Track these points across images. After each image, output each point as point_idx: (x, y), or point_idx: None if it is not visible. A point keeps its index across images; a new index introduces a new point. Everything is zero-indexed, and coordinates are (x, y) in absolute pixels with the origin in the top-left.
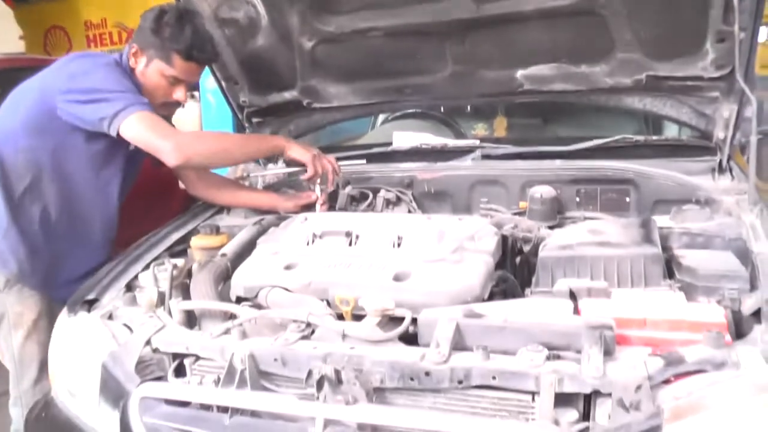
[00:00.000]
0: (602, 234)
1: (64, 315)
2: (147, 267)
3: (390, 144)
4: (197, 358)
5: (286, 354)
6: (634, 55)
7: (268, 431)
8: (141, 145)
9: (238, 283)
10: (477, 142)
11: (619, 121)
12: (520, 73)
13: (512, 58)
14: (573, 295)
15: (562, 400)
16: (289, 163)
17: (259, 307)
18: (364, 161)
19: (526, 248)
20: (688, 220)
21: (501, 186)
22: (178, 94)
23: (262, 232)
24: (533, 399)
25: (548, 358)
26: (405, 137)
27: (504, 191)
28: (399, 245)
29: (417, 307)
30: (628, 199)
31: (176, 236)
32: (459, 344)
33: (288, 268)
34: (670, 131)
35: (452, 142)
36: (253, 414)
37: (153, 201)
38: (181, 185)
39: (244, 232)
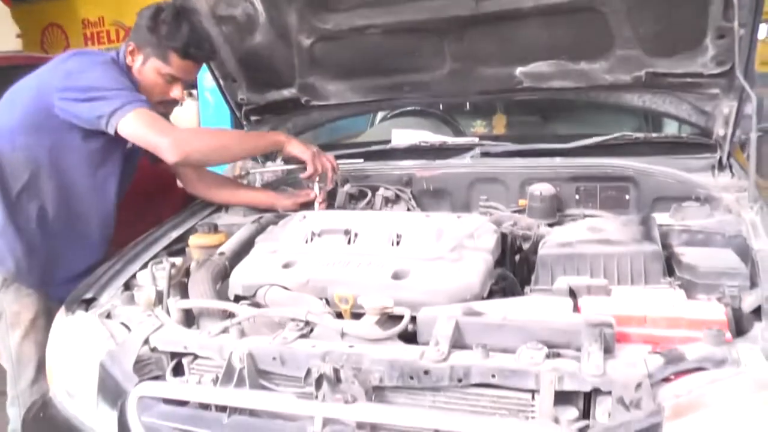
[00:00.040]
0: (602, 231)
1: (61, 314)
2: (145, 266)
3: (389, 142)
4: (195, 357)
5: (284, 353)
6: (634, 52)
7: (266, 430)
8: (139, 143)
9: (237, 282)
10: (476, 140)
11: (618, 119)
12: (519, 71)
13: (511, 55)
14: (573, 293)
15: (562, 398)
16: (288, 160)
17: (257, 305)
18: (362, 160)
19: (526, 246)
20: (688, 218)
21: (500, 184)
22: (175, 92)
23: (260, 230)
24: (533, 397)
25: (548, 356)
26: (404, 135)
27: (503, 189)
28: (398, 243)
29: (416, 305)
30: (627, 197)
31: (174, 235)
32: (458, 342)
33: (286, 266)
34: (670, 128)
35: (451, 140)
36: (252, 413)
37: (151, 200)
38: (179, 184)
39: (242, 231)
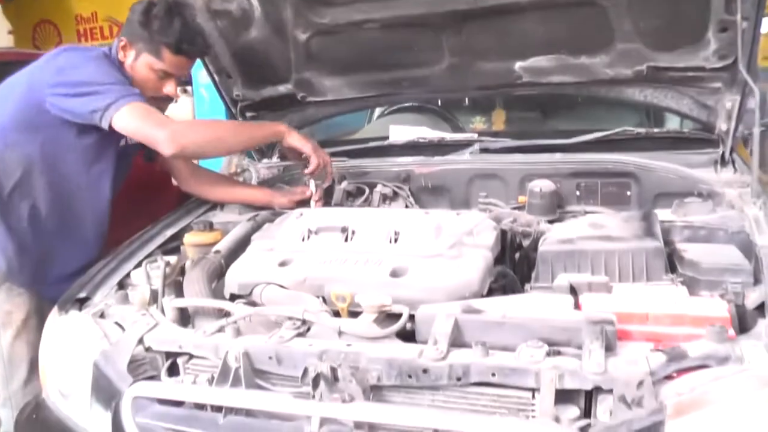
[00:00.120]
0: (603, 228)
1: (54, 313)
2: (139, 264)
3: (386, 138)
4: (191, 356)
5: (281, 352)
6: (635, 46)
7: (263, 430)
8: (135, 136)
9: (232, 280)
10: (475, 136)
11: (619, 114)
12: (518, 65)
13: (510, 50)
14: (573, 290)
15: (563, 396)
16: (284, 155)
17: (253, 304)
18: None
19: (526, 243)
20: (690, 214)
21: (500, 180)
22: (168, 88)
23: (256, 228)
24: (533, 396)
25: (548, 354)
26: (402, 131)
27: (503, 185)
28: (396, 241)
29: (414, 303)
30: (629, 193)
31: (169, 233)
32: (457, 340)
33: (283, 264)
34: (672, 124)
35: (450, 136)
36: (248, 413)
37: (145, 198)
38: (174, 182)
39: (238, 229)
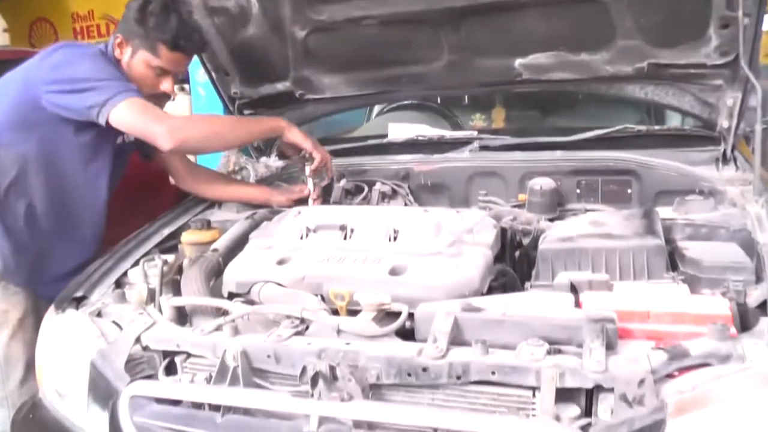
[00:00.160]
0: (604, 225)
1: (51, 312)
2: (137, 263)
3: (385, 136)
4: (188, 355)
5: (279, 350)
6: (636, 42)
7: (261, 429)
8: (132, 132)
9: (230, 279)
10: (475, 134)
11: (620, 112)
12: (518, 62)
13: (510, 47)
14: (574, 289)
15: (564, 395)
16: (282, 155)
17: (251, 302)
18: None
19: (526, 241)
20: (692, 211)
21: (499, 178)
22: (165, 85)
23: (254, 226)
24: (534, 394)
25: (549, 352)
26: (401, 129)
27: (503, 183)
28: (395, 239)
29: (414, 301)
30: (629, 191)
31: (166, 232)
32: (457, 339)
33: (281, 262)
34: (673, 121)
35: (449, 134)
36: (246, 412)
37: (142, 197)
38: (171, 181)
39: (236, 227)
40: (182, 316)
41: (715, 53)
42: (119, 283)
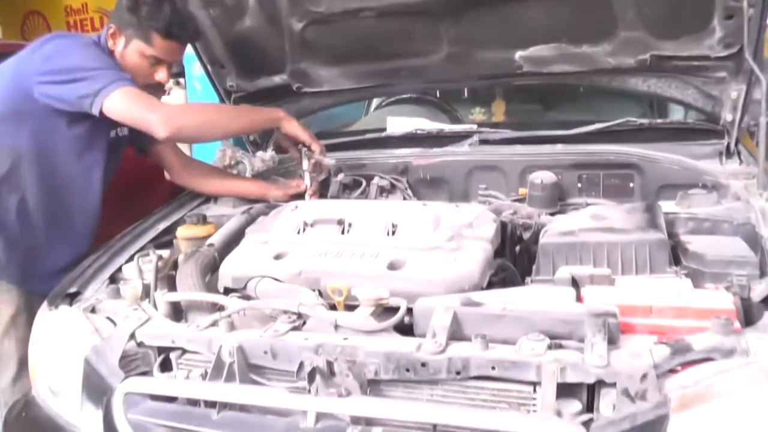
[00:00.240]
0: (605, 219)
1: (44, 309)
2: (131, 258)
3: (384, 130)
4: (184, 351)
5: (276, 346)
6: (638, 34)
7: (257, 426)
8: (126, 121)
9: (226, 274)
10: (474, 127)
11: (622, 105)
12: (518, 54)
13: (510, 39)
14: (575, 283)
15: (565, 390)
16: (279, 148)
17: (247, 298)
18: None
19: (526, 236)
20: (695, 205)
21: (500, 172)
22: (160, 75)
23: (250, 221)
24: (534, 390)
25: (550, 347)
26: (399, 122)
27: (503, 177)
28: (393, 233)
29: (412, 296)
30: (632, 185)
31: (162, 226)
32: (456, 334)
33: (278, 257)
34: (676, 114)
35: (449, 127)
36: (242, 408)
37: (137, 192)
38: (167, 176)
39: (232, 222)
40: (177, 312)
41: (719, 45)
42: (113, 279)
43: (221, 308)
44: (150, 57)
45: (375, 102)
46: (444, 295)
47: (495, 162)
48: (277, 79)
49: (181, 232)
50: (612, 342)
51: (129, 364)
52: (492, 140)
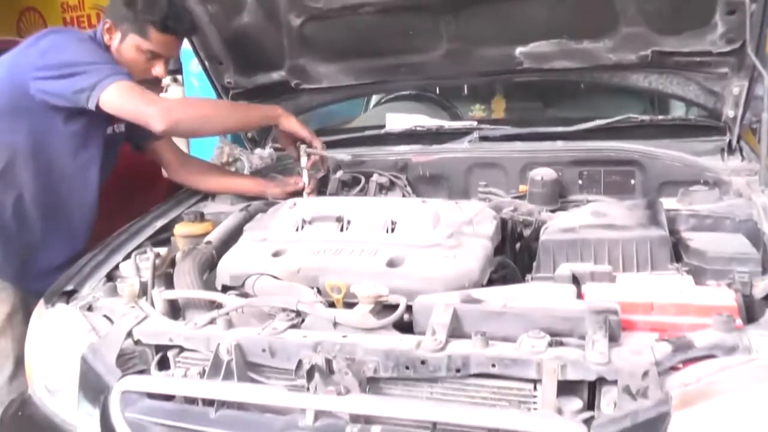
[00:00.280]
0: (606, 216)
1: (40, 307)
2: (128, 256)
3: (383, 126)
4: (181, 349)
5: (274, 344)
6: (640, 30)
7: (256, 424)
8: (123, 115)
9: (224, 271)
10: (474, 124)
11: (623, 102)
12: (518, 51)
13: (510, 35)
14: (576, 280)
15: (566, 388)
16: (277, 147)
17: (245, 295)
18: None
19: (527, 233)
20: (697, 202)
21: (500, 169)
22: (157, 69)
23: (248, 218)
24: (535, 387)
25: (550, 344)
26: (399, 119)
27: (503, 174)
28: (392, 230)
29: (412, 293)
30: (633, 181)
31: (159, 224)
32: (456, 331)
33: (276, 255)
34: (677, 111)
35: (448, 124)
36: (241, 407)
37: (134, 189)
38: (164, 173)
39: (230, 219)
40: (175, 310)
41: (721, 40)
42: (110, 277)
43: (219, 306)
44: (147, 51)
45: (374, 99)
46: (444, 293)
47: (495, 159)
48: (276, 76)
49: (179, 229)
50: (613, 339)
51: (126, 362)
52: (492, 137)
